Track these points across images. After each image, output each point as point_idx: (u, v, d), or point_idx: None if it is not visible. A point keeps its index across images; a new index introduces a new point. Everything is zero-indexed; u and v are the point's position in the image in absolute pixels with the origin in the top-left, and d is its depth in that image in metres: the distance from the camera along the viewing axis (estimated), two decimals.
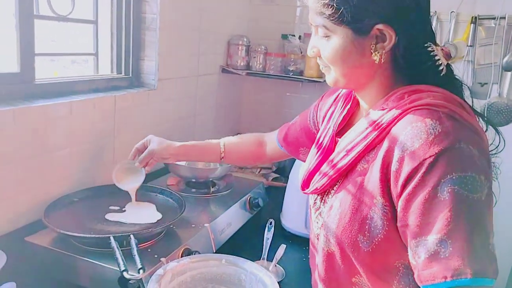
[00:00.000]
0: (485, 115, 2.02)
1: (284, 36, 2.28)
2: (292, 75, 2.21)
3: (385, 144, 0.72)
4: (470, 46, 2.04)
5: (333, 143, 0.90)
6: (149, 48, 1.62)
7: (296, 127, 1.14)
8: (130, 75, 1.62)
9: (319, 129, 1.03)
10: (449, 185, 0.63)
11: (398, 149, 0.69)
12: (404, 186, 0.68)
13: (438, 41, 2.16)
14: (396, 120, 0.72)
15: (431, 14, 2.04)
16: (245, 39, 2.23)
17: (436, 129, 0.66)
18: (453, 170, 0.64)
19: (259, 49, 2.25)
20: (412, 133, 0.68)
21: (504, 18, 1.96)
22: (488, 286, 0.61)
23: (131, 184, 1.23)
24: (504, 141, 0.78)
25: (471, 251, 0.61)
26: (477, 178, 0.64)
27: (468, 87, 0.81)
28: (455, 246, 0.62)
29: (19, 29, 1.17)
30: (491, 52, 2.02)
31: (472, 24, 2.02)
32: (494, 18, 1.99)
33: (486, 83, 2.06)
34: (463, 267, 0.61)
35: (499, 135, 0.79)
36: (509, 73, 2.03)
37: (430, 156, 0.65)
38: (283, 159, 1.29)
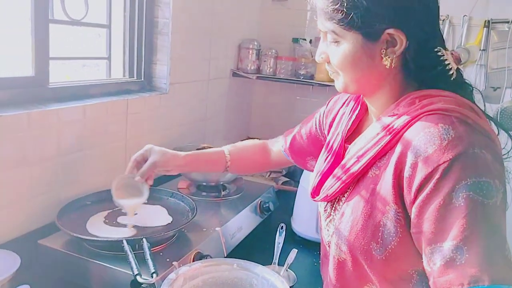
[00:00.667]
0: (498, 119, 2.01)
1: (295, 40, 2.28)
2: (302, 79, 2.20)
3: (397, 150, 0.72)
4: (483, 50, 2.03)
5: (342, 149, 0.89)
6: (161, 52, 1.63)
7: (301, 136, 1.11)
8: (142, 79, 1.63)
9: (326, 136, 1.02)
10: (464, 191, 0.63)
11: (411, 154, 0.68)
12: (417, 192, 0.67)
13: (450, 45, 2.13)
14: (408, 126, 0.72)
15: (444, 18, 2.03)
16: (255, 43, 2.24)
17: (449, 134, 0.66)
18: (468, 175, 0.63)
19: (270, 53, 2.25)
20: (425, 139, 0.67)
21: None
22: None
23: (133, 201, 1.10)
24: None
25: (488, 257, 0.61)
26: (491, 183, 0.63)
27: (479, 91, 0.81)
28: (471, 252, 0.61)
29: (35, 33, 1.18)
30: (504, 56, 2.00)
31: (484, 28, 2.01)
32: (507, 22, 1.97)
33: (499, 87, 2.04)
34: (480, 274, 0.60)
35: (511, 139, 0.78)
36: None
37: (444, 162, 0.64)
38: (287, 165, 1.26)
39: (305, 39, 2.23)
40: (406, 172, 0.69)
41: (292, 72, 2.25)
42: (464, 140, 0.65)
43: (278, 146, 1.18)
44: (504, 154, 0.73)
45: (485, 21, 2.00)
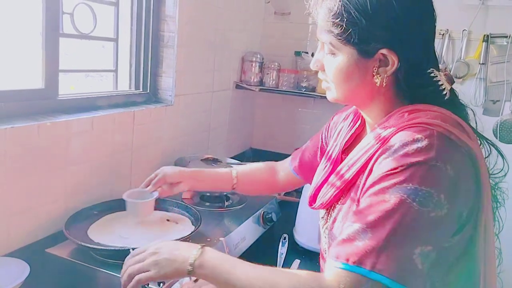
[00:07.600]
0: (497, 132, 2.03)
1: (297, 53, 2.32)
2: (304, 91, 2.24)
3: (375, 157, 0.74)
4: (482, 64, 2.06)
5: (339, 160, 0.92)
6: (166, 65, 1.67)
7: (309, 152, 1.14)
8: (148, 91, 1.66)
9: None
10: (400, 192, 0.65)
11: (381, 158, 0.71)
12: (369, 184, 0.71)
13: (450, 59, 2.15)
14: (391, 136, 0.74)
15: (443, 32, 2.07)
16: (258, 56, 2.28)
17: (421, 144, 0.67)
18: (412, 181, 0.65)
19: (273, 66, 2.29)
20: (398, 145, 0.69)
21: None
22: (384, 285, 0.61)
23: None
24: (508, 165, 0.78)
25: (384, 249, 0.63)
26: (433, 195, 0.64)
27: (472, 110, 0.82)
28: (373, 239, 0.64)
29: (45, 47, 1.21)
30: (503, 70, 2.03)
31: (484, 43, 2.05)
32: (506, 37, 2.01)
33: (498, 101, 2.07)
34: (365, 258, 0.63)
35: (503, 159, 0.78)
36: None
37: (401, 165, 0.66)
38: (296, 187, 1.27)
39: (307, 52, 2.27)
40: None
41: (295, 84, 2.29)
42: (431, 152, 0.66)
43: (287, 166, 1.21)
44: (498, 173, 0.74)
45: (484, 35, 2.04)
